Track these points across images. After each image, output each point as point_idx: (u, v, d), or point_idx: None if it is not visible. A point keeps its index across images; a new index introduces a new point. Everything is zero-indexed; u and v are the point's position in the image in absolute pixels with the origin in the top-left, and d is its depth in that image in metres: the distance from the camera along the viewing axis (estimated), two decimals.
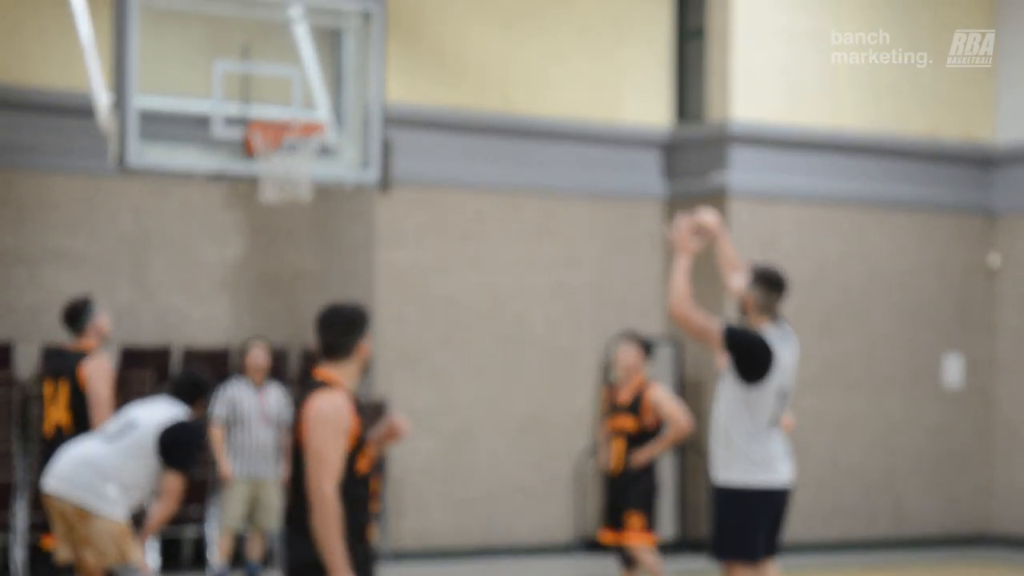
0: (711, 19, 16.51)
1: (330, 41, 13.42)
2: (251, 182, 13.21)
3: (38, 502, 13.22)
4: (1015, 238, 17.52)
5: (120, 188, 15.39)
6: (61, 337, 14.83)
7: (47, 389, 9.78)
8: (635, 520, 11.11)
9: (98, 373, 9.59)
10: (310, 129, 12.36)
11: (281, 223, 16.20)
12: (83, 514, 8.43)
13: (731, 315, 14.60)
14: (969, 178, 17.55)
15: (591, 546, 15.85)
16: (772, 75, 16.45)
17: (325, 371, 6.09)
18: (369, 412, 12.47)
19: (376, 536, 6.24)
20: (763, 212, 16.41)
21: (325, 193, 15.26)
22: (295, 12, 12.64)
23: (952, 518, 17.38)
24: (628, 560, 11.32)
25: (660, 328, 16.39)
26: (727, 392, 8.36)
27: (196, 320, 15.79)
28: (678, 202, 16.64)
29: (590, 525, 16.00)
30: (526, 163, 16.24)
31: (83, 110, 13.77)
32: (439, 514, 15.63)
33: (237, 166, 12.46)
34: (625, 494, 11.16)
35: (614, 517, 11.25)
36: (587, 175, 16.48)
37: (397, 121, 15.02)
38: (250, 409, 12.43)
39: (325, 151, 12.77)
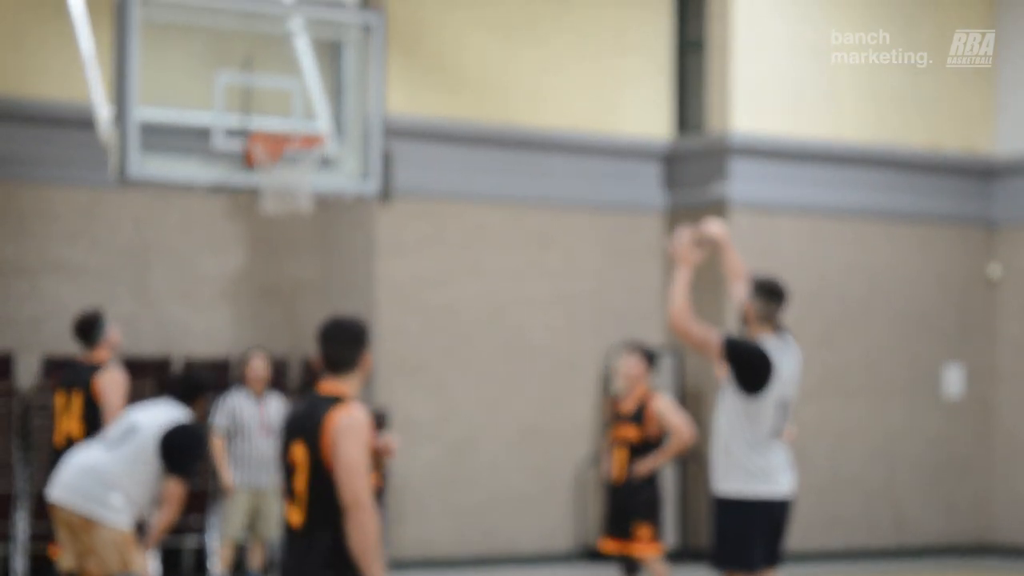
0: (711, 30, 16.54)
1: (330, 53, 13.46)
2: (252, 193, 13.23)
3: (39, 512, 13.27)
4: (1015, 249, 17.53)
5: (121, 199, 15.41)
6: (62, 348, 14.88)
7: (59, 400, 9.80)
8: (644, 531, 11.14)
9: (113, 385, 9.63)
10: (311, 141, 12.39)
11: (282, 234, 16.22)
12: (87, 523, 8.44)
13: (732, 326, 14.63)
14: (969, 189, 17.57)
15: (591, 555, 15.86)
16: (772, 86, 16.47)
17: (333, 385, 6.10)
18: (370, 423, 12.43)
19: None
20: (763, 223, 16.43)
21: (325, 204, 15.28)
22: (296, 24, 12.67)
23: (952, 527, 17.38)
24: (631, 568, 11.34)
25: (661, 338, 16.41)
26: (727, 403, 8.38)
27: (197, 330, 15.81)
28: (678, 213, 16.66)
29: (590, 534, 16.01)
30: (526, 174, 16.26)
31: (84, 122, 13.80)
32: (440, 523, 15.64)
33: (238, 177, 12.49)
34: (630, 504, 11.18)
35: (618, 526, 11.26)
36: (587, 186, 16.49)
37: (397, 132, 15.04)
38: (251, 419, 12.44)
39: (326, 162, 12.80)
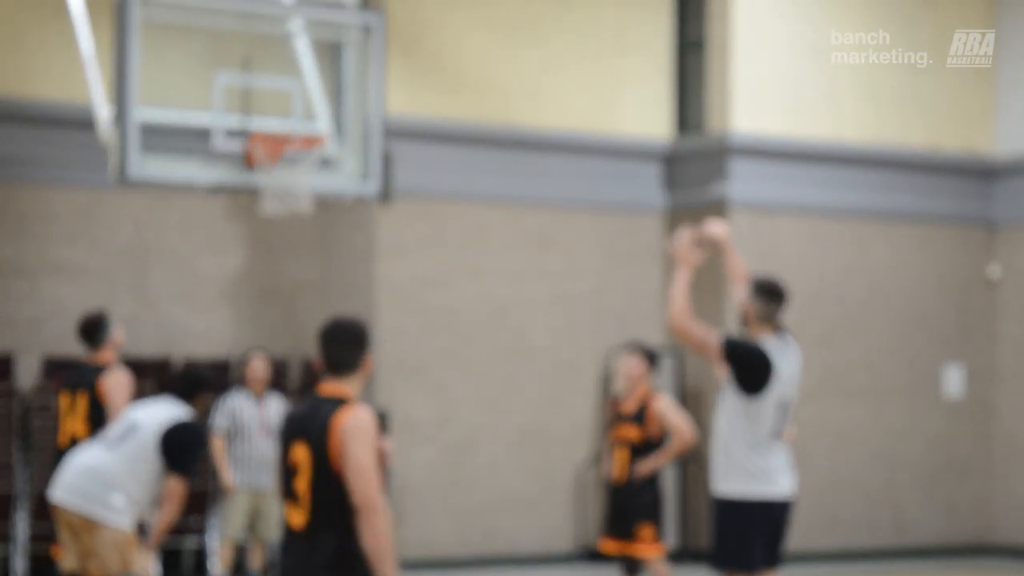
0: (711, 30, 16.53)
1: (330, 54, 13.46)
2: (252, 194, 13.22)
3: (39, 513, 13.27)
4: (1015, 249, 17.52)
5: (120, 200, 15.41)
6: (62, 349, 14.88)
7: (63, 401, 9.81)
8: (646, 531, 11.15)
9: (118, 386, 9.64)
10: (310, 141, 12.38)
11: (281, 235, 16.22)
12: (89, 524, 8.44)
13: (733, 326, 14.62)
14: (969, 189, 17.56)
15: (591, 555, 15.85)
16: (772, 86, 16.46)
17: (334, 386, 6.08)
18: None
19: None
20: (763, 224, 16.42)
21: (325, 205, 15.28)
22: (295, 25, 12.66)
23: (952, 528, 17.38)
24: (632, 569, 11.34)
25: (661, 339, 16.40)
26: (727, 403, 8.37)
27: (196, 331, 15.80)
28: (678, 213, 16.65)
29: (590, 535, 16.00)
30: (526, 175, 16.25)
31: (84, 122, 13.79)
32: (440, 524, 15.64)
33: (238, 178, 12.47)
34: (632, 505, 11.18)
35: (619, 527, 11.27)
36: (587, 186, 16.49)
37: (397, 133, 15.04)
38: (251, 420, 12.44)
39: (325, 163, 12.79)
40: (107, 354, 9.84)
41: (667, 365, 16.10)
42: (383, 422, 14.96)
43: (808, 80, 16.63)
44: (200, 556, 14.57)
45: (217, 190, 13.06)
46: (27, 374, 14.89)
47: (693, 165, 16.66)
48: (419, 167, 15.61)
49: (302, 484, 5.96)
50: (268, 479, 12.35)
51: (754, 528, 8.28)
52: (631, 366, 11.31)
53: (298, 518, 5.99)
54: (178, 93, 12.48)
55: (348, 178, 12.87)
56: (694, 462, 16.02)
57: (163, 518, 8.52)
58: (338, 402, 6.01)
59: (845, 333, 16.85)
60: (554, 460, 16.17)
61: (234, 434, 12.42)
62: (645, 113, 16.79)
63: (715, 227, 8.61)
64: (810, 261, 16.66)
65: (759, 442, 8.29)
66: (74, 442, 9.68)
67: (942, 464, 17.36)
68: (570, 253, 16.41)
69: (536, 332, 16.20)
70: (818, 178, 16.74)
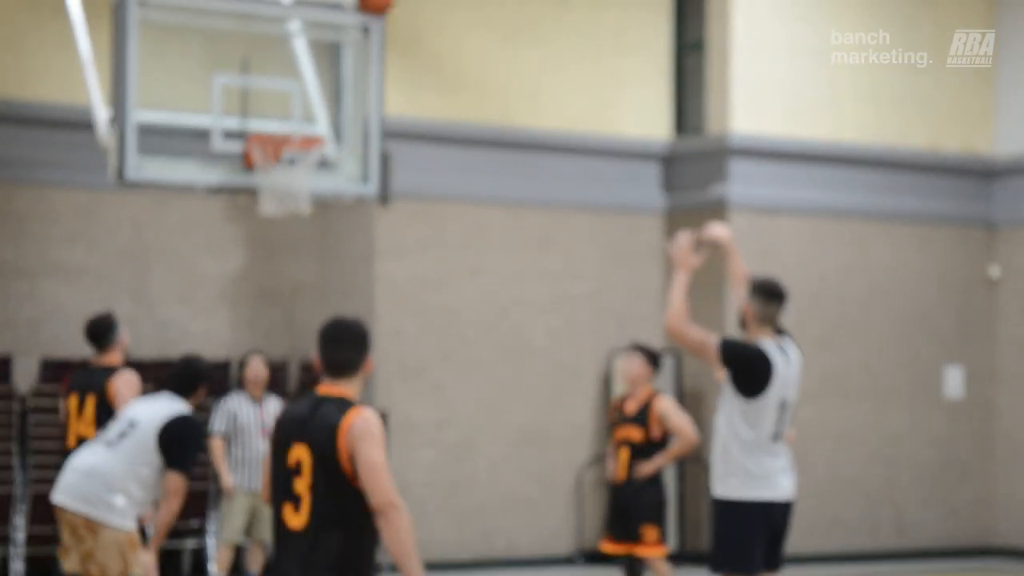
0: (711, 31, 16.51)
1: (329, 55, 13.43)
2: (251, 195, 13.20)
3: (37, 515, 13.25)
4: (1015, 249, 17.50)
5: (120, 201, 15.38)
6: (61, 351, 14.86)
7: (71, 403, 9.79)
8: (650, 533, 11.15)
9: (129, 388, 9.62)
10: (310, 142, 12.35)
11: (281, 236, 16.19)
12: (91, 525, 8.42)
13: (733, 329, 14.60)
14: (969, 190, 17.54)
15: (591, 557, 15.83)
16: (772, 87, 16.44)
17: (338, 388, 6.02)
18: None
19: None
20: (763, 224, 16.40)
21: (325, 206, 15.26)
22: (294, 26, 12.64)
23: (953, 529, 17.35)
24: (633, 570, 11.34)
25: (661, 340, 16.38)
26: (726, 405, 8.34)
27: (195, 333, 15.77)
28: (678, 214, 16.63)
29: (590, 537, 15.98)
30: (526, 175, 16.23)
31: (82, 124, 13.76)
32: (439, 526, 15.62)
33: (237, 179, 12.45)
34: (635, 507, 11.17)
35: (621, 528, 11.26)
36: (587, 187, 16.47)
37: (396, 134, 15.02)
38: (250, 422, 12.41)
39: (325, 164, 12.76)
40: (115, 356, 9.83)
41: (667, 366, 16.08)
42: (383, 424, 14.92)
43: (808, 81, 16.61)
44: (199, 558, 14.55)
45: (216, 191, 13.05)
46: (26, 376, 14.86)
47: (693, 166, 16.64)
48: (418, 168, 15.59)
49: (302, 485, 5.90)
50: None
51: (754, 530, 8.26)
52: (633, 367, 11.29)
53: (297, 519, 5.92)
54: (177, 94, 12.46)
55: (347, 179, 12.85)
56: (693, 463, 15.99)
57: (164, 515, 8.48)
58: (342, 404, 5.95)
59: (845, 334, 16.82)
60: (554, 462, 16.15)
61: (233, 436, 12.40)
62: (645, 114, 16.77)
63: (717, 229, 8.59)
64: (810, 262, 16.64)
65: (759, 444, 8.26)
66: (82, 444, 9.67)
67: (943, 465, 17.33)
68: (570, 254, 16.38)
69: (536, 333, 16.17)
70: (818, 179, 16.72)
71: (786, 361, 8.33)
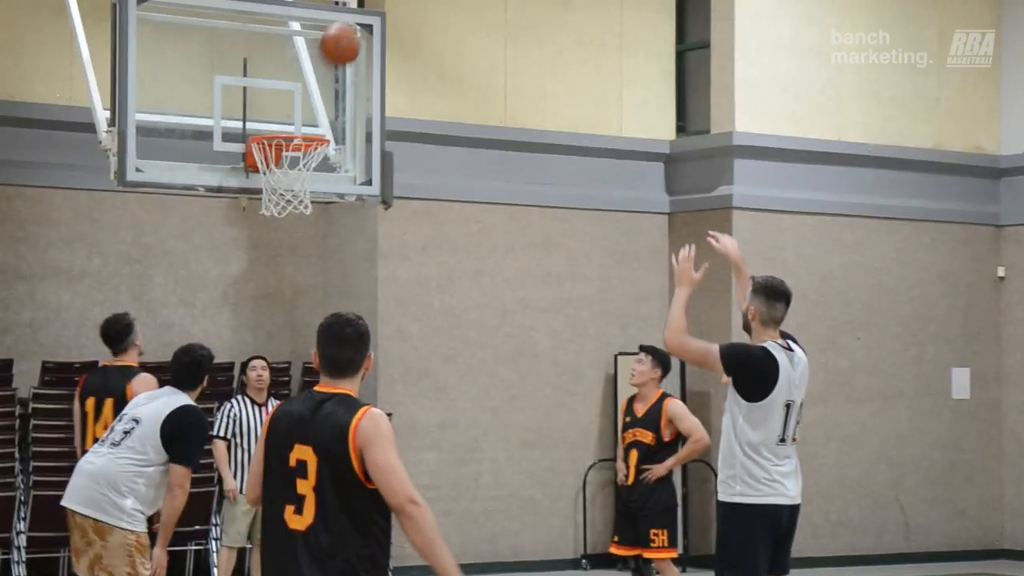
0: (714, 31, 16.45)
1: None
2: (252, 197, 13.13)
3: (38, 518, 13.19)
4: (1022, 249, 17.43)
5: (120, 203, 15.31)
6: (62, 354, 14.79)
7: (88, 406, 9.73)
8: (659, 537, 11.11)
9: (148, 390, 9.56)
10: (311, 143, 12.27)
11: (282, 238, 16.13)
12: (101, 528, 8.38)
13: (738, 334, 14.53)
14: (975, 189, 17.47)
15: (596, 560, 15.77)
16: (775, 87, 16.38)
17: (339, 387, 5.90)
18: None
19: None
20: (767, 224, 16.33)
21: (326, 208, 15.20)
22: (295, 26, 12.58)
23: (960, 532, 17.28)
24: (640, 573, 11.32)
25: None
26: (731, 408, 8.26)
27: (197, 336, 15.67)
28: (681, 215, 16.58)
29: (595, 539, 15.92)
30: (528, 177, 16.18)
31: (82, 125, 13.68)
32: (443, 529, 15.49)
33: (237, 181, 12.37)
34: (645, 510, 11.13)
35: (630, 530, 11.22)
36: (590, 188, 16.41)
37: (398, 135, 14.94)
38: (252, 425, 12.37)
39: (326, 165, 12.68)
40: (131, 357, 9.78)
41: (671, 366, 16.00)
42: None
43: (811, 80, 16.55)
44: (202, 561, 14.49)
45: (217, 191, 12.96)
46: (26, 379, 14.79)
47: (696, 166, 16.58)
48: (420, 169, 15.53)
49: (306, 486, 5.78)
50: None
51: (758, 535, 8.18)
52: (643, 369, 11.24)
53: (299, 521, 5.79)
54: (177, 95, 12.38)
55: (349, 180, 12.76)
56: (699, 466, 15.91)
57: (168, 509, 8.42)
58: (349, 403, 5.83)
59: (850, 334, 16.75)
60: (558, 464, 16.09)
61: (236, 439, 12.36)
62: (648, 114, 16.71)
63: (728, 245, 8.47)
64: (814, 262, 16.57)
65: (765, 447, 8.17)
66: None
67: (950, 466, 17.26)
68: (573, 255, 16.33)
69: (539, 335, 16.11)
70: (822, 179, 16.66)
71: (791, 362, 8.25)
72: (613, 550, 11.48)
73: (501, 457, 15.89)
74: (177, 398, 8.57)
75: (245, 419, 12.39)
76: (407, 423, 15.24)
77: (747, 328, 8.36)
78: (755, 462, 8.16)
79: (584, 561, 16.06)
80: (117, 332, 9.84)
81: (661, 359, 11.28)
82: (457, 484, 15.65)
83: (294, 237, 16.16)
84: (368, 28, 12.40)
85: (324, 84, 12.88)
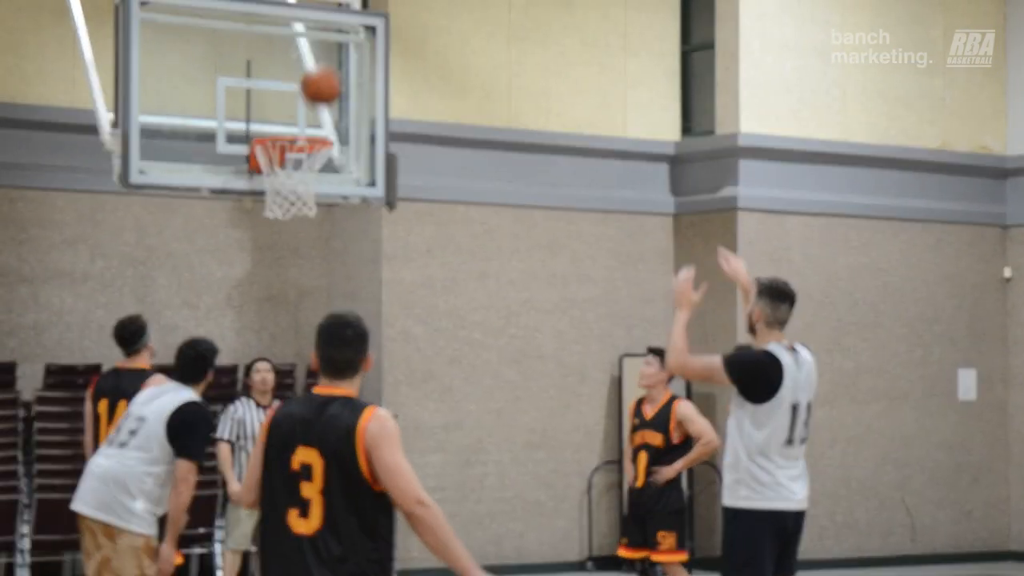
0: (718, 31, 16.42)
1: (334, 56, 13.30)
2: (256, 199, 13.10)
3: (42, 521, 13.18)
4: None
5: (123, 206, 15.28)
6: (65, 356, 14.76)
7: (101, 408, 9.71)
8: (668, 539, 11.09)
9: None
10: (315, 145, 12.24)
11: (286, 240, 16.10)
12: (110, 531, 8.36)
13: (744, 337, 14.50)
14: (981, 189, 17.43)
15: (601, 562, 15.74)
16: (780, 87, 16.35)
17: (339, 388, 5.85)
18: None
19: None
20: (773, 225, 16.30)
21: (330, 209, 15.16)
22: (298, 27, 12.55)
23: (967, 533, 17.23)
24: (645, 574, 11.30)
25: None
26: (736, 411, 8.22)
27: None
28: (686, 216, 16.54)
29: (600, 541, 15.88)
30: (533, 178, 16.15)
31: (85, 127, 13.65)
32: None
33: (241, 183, 12.34)
34: (654, 512, 11.11)
35: (638, 533, 11.19)
36: (595, 189, 16.38)
37: (402, 136, 14.91)
38: (256, 428, 12.32)
39: (330, 167, 12.65)
40: (144, 359, 9.75)
41: None
42: None
43: (817, 81, 16.51)
44: (206, 564, 14.46)
45: (221, 192, 12.93)
46: (30, 382, 14.75)
47: (701, 167, 16.54)
48: (425, 171, 15.50)
49: (311, 490, 5.71)
50: None
51: (764, 540, 8.14)
52: (651, 371, 11.21)
53: (305, 524, 5.72)
54: (180, 97, 12.36)
55: (353, 182, 12.73)
56: (705, 468, 15.87)
57: (174, 505, 8.38)
58: (353, 404, 5.77)
59: (856, 335, 16.71)
60: (563, 466, 16.05)
61: (240, 442, 12.33)
62: (652, 115, 16.68)
63: (737, 269, 8.40)
64: (820, 263, 16.54)
65: (771, 449, 8.12)
66: None
67: (956, 468, 17.21)
68: (578, 257, 16.29)
69: (544, 337, 16.08)
70: (827, 179, 16.62)
71: (796, 363, 8.20)
72: (621, 552, 11.45)
73: (506, 459, 15.86)
74: (181, 394, 8.54)
75: (249, 421, 12.35)
76: (412, 425, 15.21)
77: (752, 330, 8.31)
78: (760, 467, 8.11)
79: (589, 563, 16.04)
80: (131, 334, 9.82)
81: None
82: (462, 486, 15.62)
83: (298, 239, 16.13)
84: (372, 30, 12.38)
85: None
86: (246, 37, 12.29)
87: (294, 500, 5.76)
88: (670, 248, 16.55)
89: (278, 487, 5.82)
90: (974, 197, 17.40)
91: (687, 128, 16.93)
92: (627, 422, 11.74)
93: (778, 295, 8.24)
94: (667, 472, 11.06)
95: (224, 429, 12.34)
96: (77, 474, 8.70)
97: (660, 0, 16.78)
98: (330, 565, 5.71)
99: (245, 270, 15.99)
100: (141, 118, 11.61)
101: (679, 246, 16.57)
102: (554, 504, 16.03)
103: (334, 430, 5.72)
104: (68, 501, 8.65)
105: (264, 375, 12.47)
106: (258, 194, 12.35)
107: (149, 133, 11.69)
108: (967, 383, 17.34)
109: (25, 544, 13.46)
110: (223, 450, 12.30)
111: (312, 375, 15.57)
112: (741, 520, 8.16)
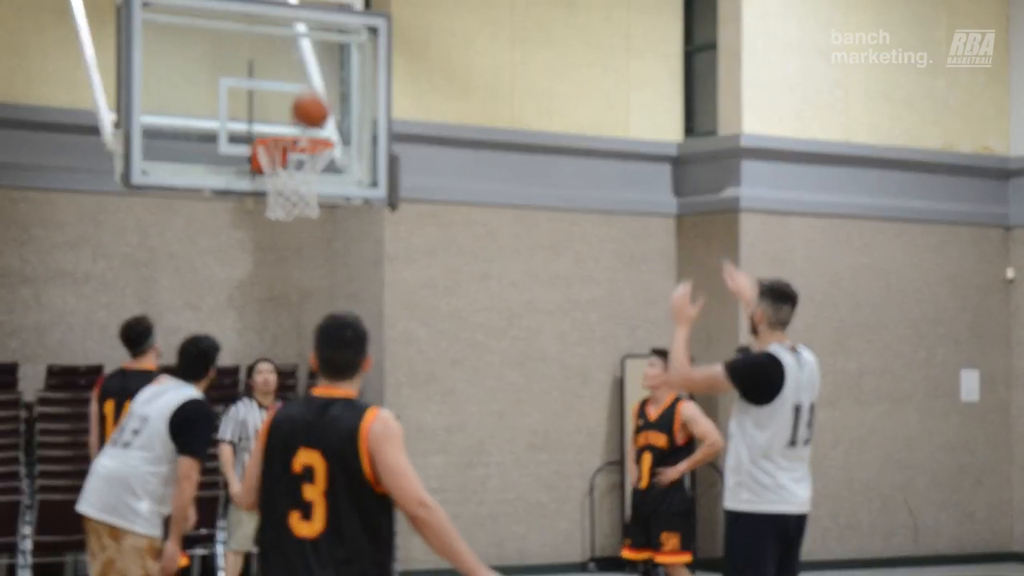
0: (721, 32, 16.40)
1: (336, 57, 13.29)
2: (258, 200, 13.09)
3: (44, 523, 13.16)
4: None
5: (126, 206, 15.27)
6: (67, 358, 14.75)
7: (107, 408, 9.70)
8: (671, 540, 11.07)
9: None
10: (317, 146, 12.23)
11: (288, 241, 16.08)
12: (115, 532, 8.35)
13: (745, 337, 14.48)
14: (984, 190, 17.41)
15: (603, 564, 15.72)
16: (783, 88, 16.33)
17: (339, 389, 5.82)
18: None
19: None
20: (775, 226, 16.28)
21: (333, 210, 15.15)
22: (300, 27, 12.53)
23: (970, 535, 17.21)
24: (649, 575, 11.30)
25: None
26: (739, 414, 8.20)
27: None
28: (689, 217, 16.52)
29: (602, 543, 15.86)
30: (535, 179, 16.13)
31: (88, 128, 13.64)
32: None
33: (243, 184, 12.33)
34: (658, 513, 11.09)
35: (642, 534, 11.18)
36: (597, 190, 16.37)
37: (405, 137, 14.90)
38: (258, 429, 12.31)
39: (332, 168, 12.64)
40: (150, 360, 9.74)
41: None
42: None
43: (819, 82, 16.49)
44: (208, 566, 14.44)
45: (223, 194, 12.92)
46: (32, 383, 14.74)
47: (704, 168, 16.52)
48: (427, 171, 15.49)
49: (314, 492, 5.69)
50: None
51: (765, 543, 8.12)
52: (655, 373, 11.19)
53: (308, 527, 5.70)
54: (182, 97, 12.35)
55: (355, 183, 12.72)
56: (708, 469, 15.86)
57: (177, 503, 8.36)
58: (355, 406, 5.74)
59: (859, 337, 16.69)
60: (566, 467, 16.04)
61: (242, 443, 12.32)
62: (655, 116, 16.67)
63: (743, 284, 8.37)
64: (823, 264, 16.52)
65: (774, 451, 8.10)
66: None
67: (959, 469, 17.19)
68: (580, 258, 16.27)
69: (547, 338, 16.06)
70: (830, 180, 16.60)
71: (798, 363, 8.18)
72: (625, 554, 11.44)
73: (508, 460, 15.84)
74: (183, 391, 8.53)
75: (251, 422, 12.33)
76: (414, 426, 15.19)
77: (754, 331, 8.30)
78: (762, 470, 8.09)
79: (591, 564, 16.02)
80: (137, 335, 9.81)
81: None
82: (464, 488, 15.60)
83: (300, 240, 16.12)
84: (374, 30, 12.37)
85: (330, 86, 12.85)
86: (248, 38, 12.28)
87: (296, 502, 5.73)
88: (673, 249, 16.53)
89: (279, 489, 5.78)
90: (977, 198, 17.37)
91: (690, 129, 16.91)
92: (631, 423, 11.72)
93: (780, 296, 8.22)
94: (671, 473, 11.05)
95: (226, 430, 12.33)
96: (79, 475, 8.69)
97: (663, 1, 16.76)
98: (334, 568, 5.68)
99: (247, 271, 15.98)
100: (143, 119, 11.60)
101: (682, 247, 16.56)
102: (556, 505, 16.01)
103: (337, 432, 5.69)
104: (70, 502, 8.64)
105: (266, 376, 12.46)
106: (260, 195, 12.33)
107: (151, 134, 11.69)
108: (970, 384, 17.32)
109: (27, 545, 13.44)
110: (225, 451, 12.29)
111: (314, 376, 15.55)
112: (742, 523, 8.14)
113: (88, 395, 13.94)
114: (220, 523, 13.98)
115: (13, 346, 14.87)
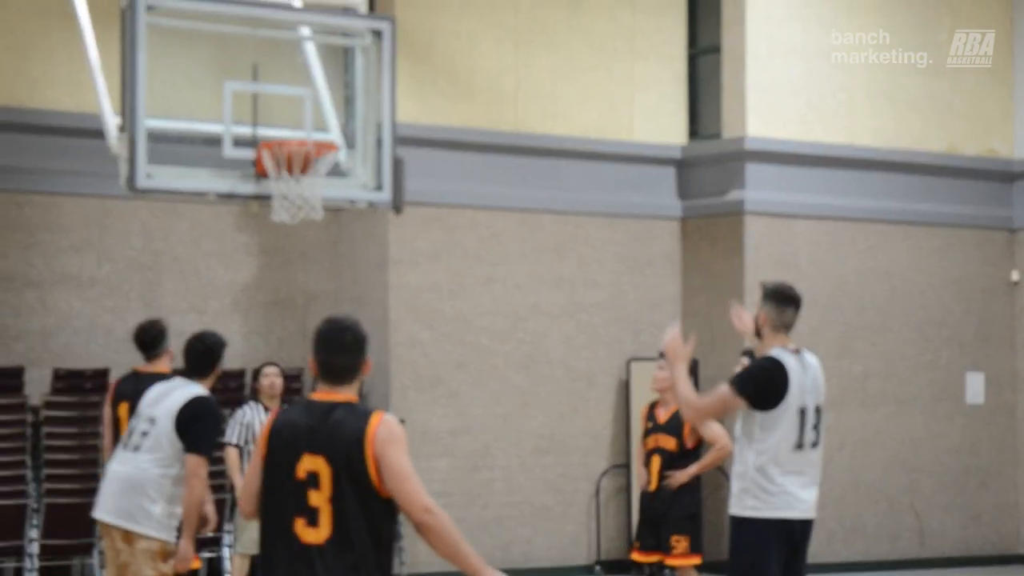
0: (726, 36, 16.40)
1: (341, 60, 13.29)
2: (263, 203, 13.09)
3: (50, 526, 13.17)
4: None
5: (130, 210, 15.28)
6: (72, 361, 14.76)
7: (120, 411, 9.70)
8: (682, 543, 11.08)
9: None
10: (321, 149, 12.24)
11: (293, 244, 16.09)
12: (129, 536, 8.36)
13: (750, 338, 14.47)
14: (989, 193, 17.40)
15: (609, 567, 15.71)
16: (787, 91, 16.33)
17: (340, 394, 5.78)
18: None
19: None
20: (780, 229, 16.27)
21: (337, 214, 15.15)
22: (305, 31, 12.54)
23: (976, 537, 17.19)
24: None
25: None
26: (745, 420, 8.18)
27: None
28: (694, 220, 16.52)
29: (608, 546, 15.85)
30: (540, 182, 16.13)
31: (92, 132, 13.65)
32: None
33: (248, 187, 12.33)
34: (667, 516, 11.09)
35: (651, 537, 11.18)
36: (602, 193, 16.37)
37: (409, 140, 14.90)
38: None
39: (337, 171, 12.64)
40: (164, 363, 9.74)
41: None
42: None
43: (823, 84, 16.49)
44: (215, 568, 14.45)
45: (228, 197, 12.93)
46: (38, 386, 14.76)
47: (708, 171, 16.52)
48: (431, 175, 15.49)
49: (319, 498, 5.64)
50: None
51: (770, 546, 8.10)
52: (665, 376, 11.19)
53: (314, 534, 5.64)
54: (187, 101, 12.36)
55: (360, 186, 12.72)
56: (714, 473, 15.84)
57: (188, 500, 8.36)
58: (359, 410, 5.71)
59: (864, 339, 16.68)
60: (571, 470, 16.03)
61: (248, 447, 12.31)
62: (659, 119, 16.67)
63: (749, 324, 8.35)
64: (827, 267, 16.51)
65: (780, 455, 8.08)
66: None
67: (964, 471, 17.17)
68: (585, 261, 16.27)
69: (552, 341, 16.06)
70: (835, 183, 16.60)
71: (802, 366, 8.17)
72: (635, 556, 11.43)
73: (514, 464, 15.83)
74: (189, 389, 8.54)
75: (257, 426, 12.32)
76: (419, 430, 15.19)
77: (758, 334, 8.29)
78: (767, 477, 8.07)
79: (597, 567, 16.02)
80: (152, 338, 9.81)
81: None
82: (469, 491, 15.60)
83: (305, 243, 16.12)
84: (378, 34, 12.38)
85: (334, 90, 12.86)
86: (253, 41, 12.28)
87: (301, 509, 5.68)
88: (677, 252, 16.53)
89: (283, 496, 5.72)
90: (981, 200, 17.36)
91: (694, 132, 16.91)
92: (639, 426, 11.71)
93: (783, 299, 8.21)
94: (681, 477, 11.04)
95: (232, 433, 12.32)
96: (85, 478, 8.71)
97: (667, 4, 16.76)
98: (342, 573, 5.65)
99: (252, 274, 15.98)
100: (148, 122, 11.61)
101: (686, 250, 16.55)
102: (562, 508, 16.01)
103: (341, 437, 5.65)
104: (76, 506, 8.66)
105: (272, 379, 12.45)
106: (265, 198, 12.34)
107: (156, 137, 11.69)
108: (975, 387, 17.31)
109: (34, 548, 13.44)
110: (231, 455, 12.28)
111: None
112: (747, 528, 8.12)
113: (94, 398, 14.00)
114: (227, 526, 13.98)
115: (19, 350, 14.88)
